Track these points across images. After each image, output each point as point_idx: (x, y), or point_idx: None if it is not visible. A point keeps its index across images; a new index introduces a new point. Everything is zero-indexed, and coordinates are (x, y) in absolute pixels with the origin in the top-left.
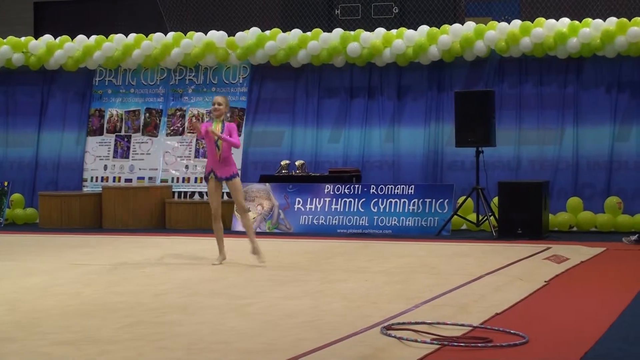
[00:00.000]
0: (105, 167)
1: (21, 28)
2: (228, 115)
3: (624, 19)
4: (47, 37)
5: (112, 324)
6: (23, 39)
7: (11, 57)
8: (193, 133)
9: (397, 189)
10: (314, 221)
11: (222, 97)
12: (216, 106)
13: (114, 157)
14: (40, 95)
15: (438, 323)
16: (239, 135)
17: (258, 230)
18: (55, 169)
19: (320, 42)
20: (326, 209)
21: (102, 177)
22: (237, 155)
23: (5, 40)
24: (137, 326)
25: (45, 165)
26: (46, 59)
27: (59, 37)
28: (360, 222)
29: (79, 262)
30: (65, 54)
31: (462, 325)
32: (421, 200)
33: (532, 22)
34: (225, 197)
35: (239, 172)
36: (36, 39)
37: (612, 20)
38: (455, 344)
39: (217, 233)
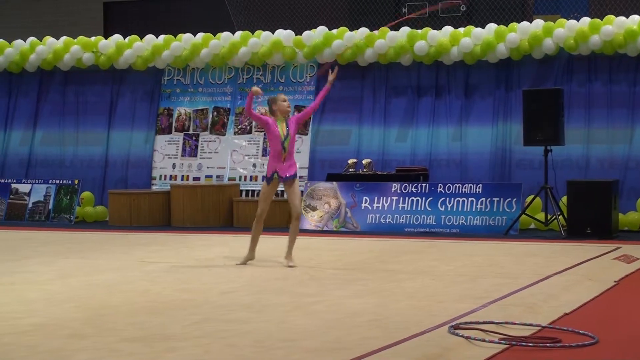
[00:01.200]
0: (174, 166)
1: (91, 28)
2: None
3: None
4: (117, 37)
5: (180, 321)
6: (93, 38)
7: (81, 57)
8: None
9: (465, 188)
10: (381, 220)
11: (284, 96)
12: (287, 107)
13: (182, 155)
14: (110, 95)
15: (506, 323)
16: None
17: (325, 228)
18: (124, 167)
19: (387, 40)
20: (393, 208)
21: (171, 176)
22: (304, 154)
23: (75, 40)
24: (205, 323)
25: (115, 164)
26: (115, 58)
27: (128, 37)
28: (428, 221)
29: (148, 259)
30: (134, 54)
31: (531, 325)
32: (489, 199)
33: (602, 20)
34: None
35: (306, 171)
36: (106, 38)
37: None
38: (524, 343)
39: (255, 234)
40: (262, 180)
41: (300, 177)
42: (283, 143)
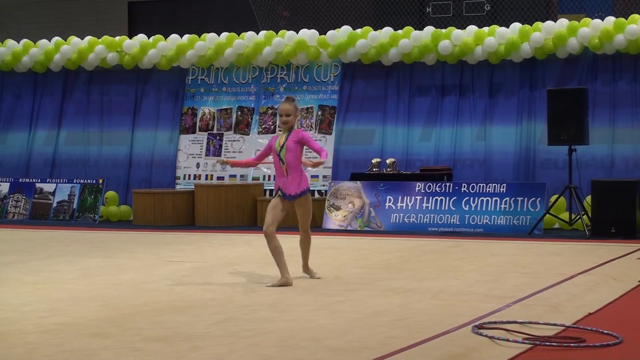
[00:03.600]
0: (198, 165)
1: (115, 28)
2: (300, 121)
3: None
4: (141, 37)
5: (203, 320)
6: (117, 38)
7: (106, 57)
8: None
9: (489, 188)
10: (405, 219)
11: (289, 104)
12: (284, 118)
13: (206, 155)
14: (134, 94)
15: (530, 322)
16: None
17: (349, 228)
18: (148, 166)
19: (412, 40)
20: (417, 207)
21: (195, 175)
22: (328, 153)
23: (100, 39)
24: (228, 323)
25: (139, 163)
26: (140, 58)
27: (153, 37)
28: (452, 220)
29: (172, 259)
30: (158, 53)
31: (555, 324)
32: (513, 198)
33: (626, 19)
34: (317, 195)
35: (330, 170)
36: (130, 38)
37: None
38: (548, 343)
39: (273, 253)
40: None
41: (324, 176)
42: (279, 154)
